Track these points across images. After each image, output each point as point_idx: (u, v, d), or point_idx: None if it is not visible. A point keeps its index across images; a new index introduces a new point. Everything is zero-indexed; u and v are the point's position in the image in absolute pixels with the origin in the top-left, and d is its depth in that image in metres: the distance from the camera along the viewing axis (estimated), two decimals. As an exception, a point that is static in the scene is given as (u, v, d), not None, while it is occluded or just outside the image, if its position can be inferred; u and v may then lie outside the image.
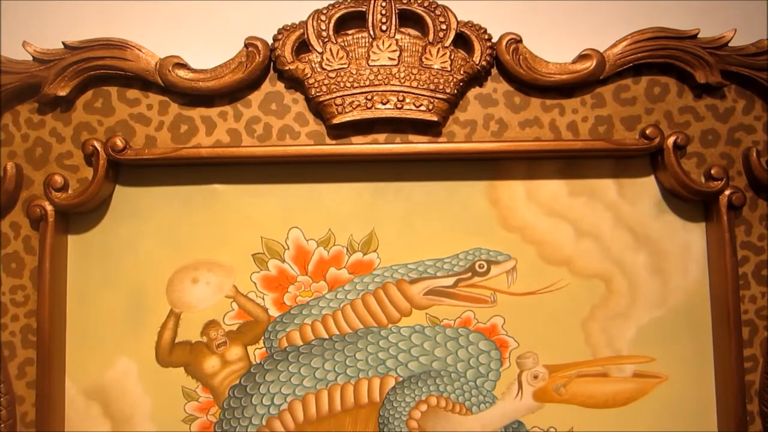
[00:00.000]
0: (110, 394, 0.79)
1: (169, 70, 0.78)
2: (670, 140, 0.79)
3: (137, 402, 0.79)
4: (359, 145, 0.78)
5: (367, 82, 0.77)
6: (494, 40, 0.79)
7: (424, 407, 0.79)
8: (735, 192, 0.79)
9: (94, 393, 0.79)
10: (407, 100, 0.77)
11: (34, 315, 0.78)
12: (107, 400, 0.79)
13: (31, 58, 0.78)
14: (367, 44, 0.78)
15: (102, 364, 0.79)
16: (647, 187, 0.81)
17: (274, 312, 0.80)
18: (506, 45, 0.78)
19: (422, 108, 0.77)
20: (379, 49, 0.77)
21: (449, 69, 0.77)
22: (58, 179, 0.78)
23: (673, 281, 0.81)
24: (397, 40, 0.78)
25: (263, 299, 0.80)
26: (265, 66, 0.79)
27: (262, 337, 0.79)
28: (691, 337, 0.80)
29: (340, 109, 0.77)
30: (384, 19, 0.78)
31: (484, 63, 0.78)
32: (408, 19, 0.79)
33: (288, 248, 0.80)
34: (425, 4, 0.78)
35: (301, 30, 0.78)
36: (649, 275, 0.81)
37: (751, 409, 0.79)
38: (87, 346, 0.79)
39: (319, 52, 0.78)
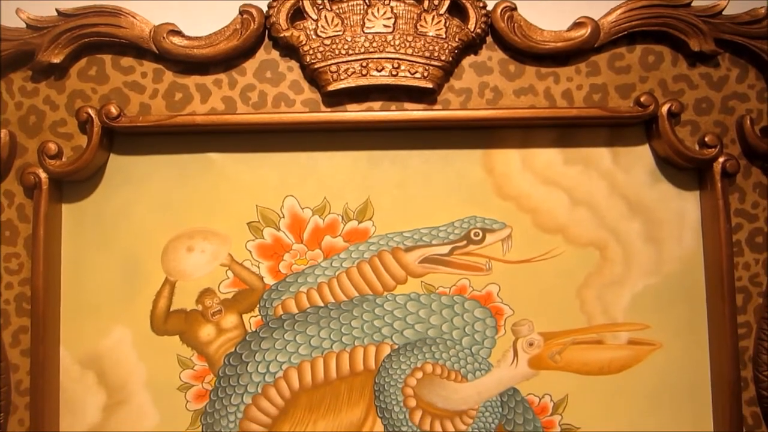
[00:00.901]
0: (105, 363, 0.79)
1: (164, 38, 0.78)
2: (665, 108, 0.79)
3: (132, 370, 0.79)
4: (354, 113, 0.78)
5: (362, 50, 0.77)
6: (489, 8, 0.79)
7: (419, 374, 0.79)
8: (729, 159, 0.79)
9: (89, 361, 0.79)
10: (402, 68, 0.77)
11: (28, 283, 0.78)
12: (102, 368, 0.79)
13: (24, 26, 0.77)
14: (362, 11, 0.78)
15: (97, 332, 0.79)
16: (642, 155, 0.82)
17: (269, 280, 0.80)
18: (501, 12, 0.78)
19: (417, 75, 0.77)
20: (374, 16, 0.77)
21: (444, 36, 0.77)
22: (52, 147, 0.77)
23: (667, 249, 0.81)
24: (392, 8, 0.78)
25: (258, 267, 0.80)
26: (259, 33, 0.78)
27: (258, 305, 0.79)
28: (686, 304, 0.81)
29: (335, 76, 0.77)
30: (379, -14, 0.78)
31: (479, 30, 0.78)
32: (403, -14, 0.79)
33: (283, 216, 0.80)
34: (420, -28, 0.78)
35: (296, -3, 0.78)
36: (644, 243, 0.81)
37: (745, 375, 0.79)
38: (81, 314, 0.79)
39: (314, 19, 0.77)
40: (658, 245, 0.81)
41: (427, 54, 0.77)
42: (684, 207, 0.81)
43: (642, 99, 0.79)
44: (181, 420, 0.79)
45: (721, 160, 0.79)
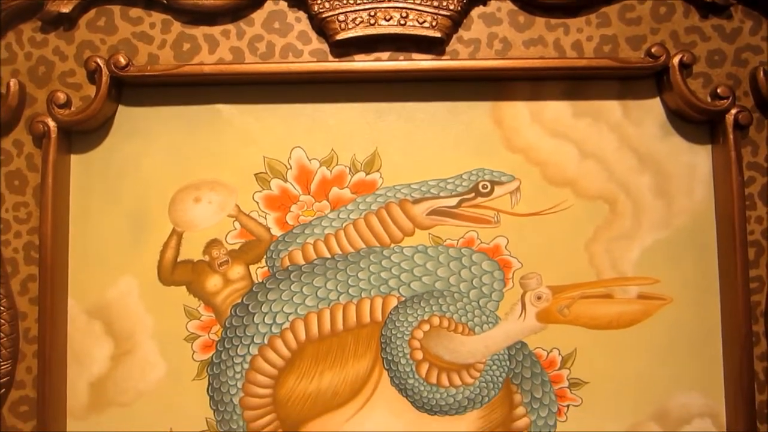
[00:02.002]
0: (112, 313, 0.79)
1: (172, -13, 0.78)
2: (676, 59, 0.78)
3: (139, 320, 0.79)
4: (362, 62, 0.78)
5: (370, -1, 0.77)
6: (498, -42, 0.78)
7: (426, 327, 0.78)
8: (741, 111, 0.78)
9: (96, 311, 0.79)
10: (410, 17, 0.77)
11: (36, 232, 0.78)
12: (109, 318, 0.79)
13: (34, -25, 0.78)
14: (370, -40, 0.77)
15: (104, 282, 0.79)
16: (652, 109, 0.81)
17: (276, 231, 0.79)
18: (510, -38, 0.78)
19: (425, 24, 0.77)
20: (383, -35, 0.77)
21: (453, -14, 0.77)
22: (61, 96, 0.78)
23: (678, 203, 0.80)
24: (400, -43, 0.77)
25: (266, 218, 0.79)
26: (268, -17, 0.78)
27: (265, 256, 0.79)
28: (696, 258, 0.79)
29: (342, 25, 0.77)
30: (387, -64, 0.77)
31: (488, -20, 0.78)
32: (412, -64, 0.79)
33: (290, 168, 0.80)
34: None
35: (305, -54, 0.78)
36: (654, 197, 0.80)
37: (756, 329, 0.78)
38: (89, 264, 0.79)
39: (322, -31, 0.77)
40: (668, 199, 0.80)
41: (435, 3, 0.77)
42: (695, 161, 0.80)
43: (653, 50, 0.78)
44: (188, 370, 0.79)
45: (733, 111, 0.78)
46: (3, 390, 0.77)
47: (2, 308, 0.77)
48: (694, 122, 0.80)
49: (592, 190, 0.80)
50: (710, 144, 0.80)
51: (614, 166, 0.80)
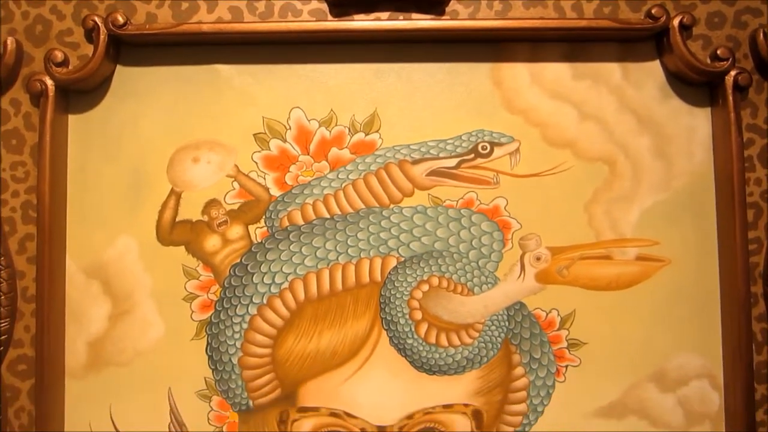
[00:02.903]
0: (110, 273, 0.79)
1: (171, -55, 0.77)
2: (676, 20, 0.78)
3: (138, 280, 0.79)
4: (362, 22, 0.78)
5: (370, -43, 0.77)
6: None
7: (425, 287, 0.78)
8: (741, 72, 0.78)
9: (94, 271, 0.79)
10: (411, -24, 0.77)
11: (34, 191, 0.77)
12: (107, 278, 0.79)
13: (31, -68, 0.77)
14: None
15: (102, 242, 0.79)
16: (652, 71, 0.80)
17: (275, 191, 0.79)
18: None
19: (426, -17, 0.77)
20: (383, -76, 0.77)
21: (453, -55, 0.77)
22: (59, 54, 0.77)
23: (677, 165, 0.80)
24: None
25: (264, 179, 0.79)
26: (267, -58, 0.78)
27: (263, 217, 0.79)
28: (696, 220, 0.80)
29: (342, -16, 0.77)
30: None
31: (488, -60, 0.77)
32: None
33: (289, 128, 0.79)
34: None
35: None
36: (653, 159, 0.80)
37: (755, 291, 0.78)
38: (87, 224, 0.79)
39: (322, -73, 0.77)
40: (667, 161, 0.80)
41: (435, -38, 0.76)
42: (694, 123, 0.80)
43: (653, 11, 0.78)
44: (187, 330, 0.79)
45: (733, 73, 0.78)
46: (1, 348, 0.77)
47: (0, 266, 0.77)
48: (694, 84, 0.80)
49: (591, 151, 0.80)
50: (710, 106, 0.80)
51: (614, 128, 0.80)
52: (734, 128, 0.77)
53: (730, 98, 0.77)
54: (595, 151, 0.80)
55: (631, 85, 0.80)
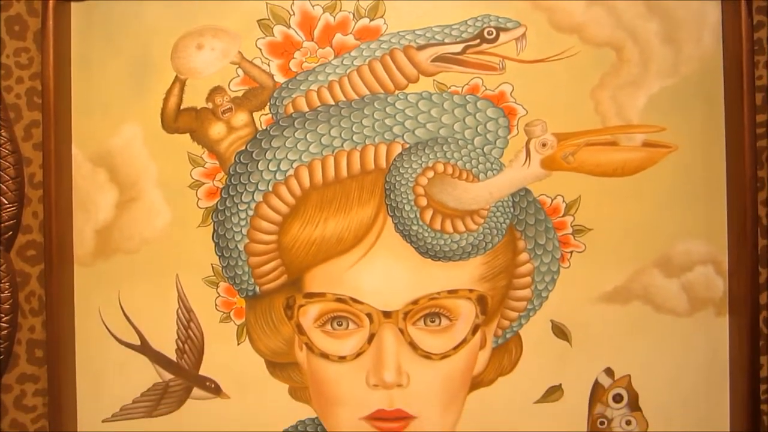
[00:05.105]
0: (116, 161, 0.79)
1: None
2: None
3: (143, 168, 0.79)
4: None
5: None
6: None
7: (430, 173, 0.78)
8: (753, -48, 0.76)
9: (100, 159, 0.79)
10: None
11: (38, 77, 0.77)
12: (113, 166, 0.79)
13: None
14: None
15: (107, 130, 0.79)
16: (662, -46, 0.79)
17: (279, 78, 0.79)
18: None
19: None
20: None
21: None
22: (60, -62, 0.76)
23: (685, 50, 0.79)
24: None
25: (269, 65, 0.79)
26: None
27: (268, 104, 0.79)
28: (703, 105, 0.79)
29: None
30: None
31: None
32: None
33: (293, 14, 0.79)
34: None
35: None
36: (662, 44, 0.79)
37: (761, 175, 0.78)
38: (92, 112, 0.79)
39: None
40: (676, 46, 0.79)
41: None
42: (704, 8, 0.79)
43: None
44: (193, 217, 0.79)
45: (744, -47, 0.76)
46: (10, 233, 0.77)
47: (6, 151, 0.77)
48: (704, -33, 0.79)
49: (599, 36, 0.79)
50: (720, -8, 0.79)
51: (622, 13, 0.79)
52: (744, 11, 0.76)
53: (741, -21, 0.76)
54: (602, 36, 0.79)
55: (640, -31, 0.79)
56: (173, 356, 0.79)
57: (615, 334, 0.79)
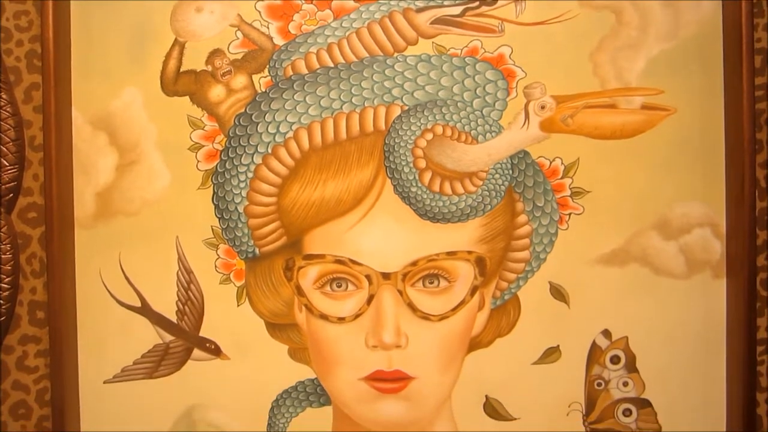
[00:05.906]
0: (116, 124, 0.79)
1: None
2: None
3: (143, 131, 0.79)
4: None
5: None
6: None
7: (429, 136, 0.78)
8: None
9: (100, 122, 0.79)
10: None
11: (38, 40, 0.77)
12: (113, 129, 0.79)
13: None
14: None
15: (107, 93, 0.79)
16: None
17: (278, 41, 0.79)
18: None
19: None
20: None
21: None
22: None
23: (685, 13, 0.79)
24: None
25: (268, 28, 0.79)
26: None
27: (267, 66, 0.79)
28: (702, 69, 0.79)
29: None
30: None
31: None
32: None
33: (292, -24, 0.79)
34: None
35: None
36: (661, 7, 0.79)
37: (760, 137, 0.78)
38: (92, 75, 0.79)
39: None
40: (675, 9, 0.79)
41: None
42: (704, -30, 0.79)
43: None
44: (192, 179, 0.79)
45: None
46: (11, 195, 0.78)
47: (6, 114, 0.77)
48: (704, -70, 0.78)
49: (598, -1, 0.79)
50: (719, -45, 0.79)
51: (621, -25, 0.79)
52: (744, -28, 0.76)
53: (741, -60, 0.76)
54: (601, -2, 0.79)
55: (640, -67, 0.79)
56: (173, 318, 0.80)
57: (613, 296, 0.80)
